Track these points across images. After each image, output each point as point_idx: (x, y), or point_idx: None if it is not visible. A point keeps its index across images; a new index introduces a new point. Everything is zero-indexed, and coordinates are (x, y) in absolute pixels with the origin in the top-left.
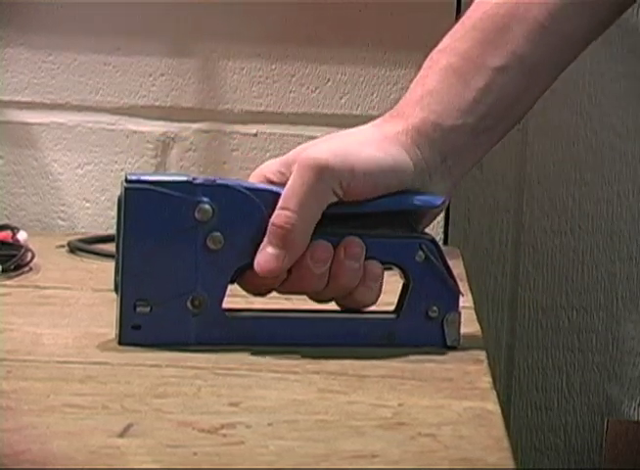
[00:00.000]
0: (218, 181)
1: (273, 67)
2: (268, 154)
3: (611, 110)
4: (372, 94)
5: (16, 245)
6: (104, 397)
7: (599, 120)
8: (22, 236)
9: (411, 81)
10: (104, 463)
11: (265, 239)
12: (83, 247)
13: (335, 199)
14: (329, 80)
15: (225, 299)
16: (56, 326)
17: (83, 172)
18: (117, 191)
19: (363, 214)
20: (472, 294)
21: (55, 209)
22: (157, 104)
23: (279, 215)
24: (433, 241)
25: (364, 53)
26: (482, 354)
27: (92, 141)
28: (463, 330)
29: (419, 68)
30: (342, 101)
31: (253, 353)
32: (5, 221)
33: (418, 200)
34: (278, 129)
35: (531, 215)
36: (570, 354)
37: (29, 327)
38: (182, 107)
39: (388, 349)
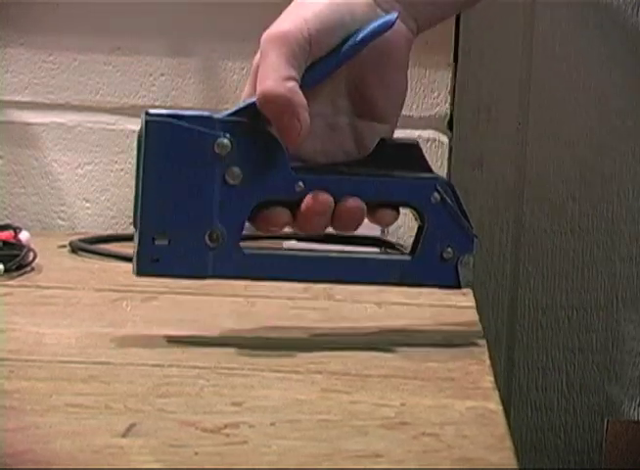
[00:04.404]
0: (237, 118)
1: None
2: None
3: (611, 109)
4: None
5: (18, 245)
6: (106, 396)
7: (599, 120)
8: (24, 236)
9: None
10: (107, 463)
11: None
12: (85, 247)
13: (306, 55)
14: None
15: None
16: (58, 326)
17: (83, 172)
18: (117, 191)
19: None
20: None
21: (55, 209)
22: (157, 104)
23: (257, 94)
24: (448, 183)
25: None
26: (485, 354)
27: (92, 141)
28: (464, 330)
29: (418, 67)
30: None
31: (256, 353)
32: (5, 221)
33: (375, 24)
34: None
35: (531, 215)
36: (570, 354)
37: (32, 327)
38: (182, 107)
39: (391, 349)
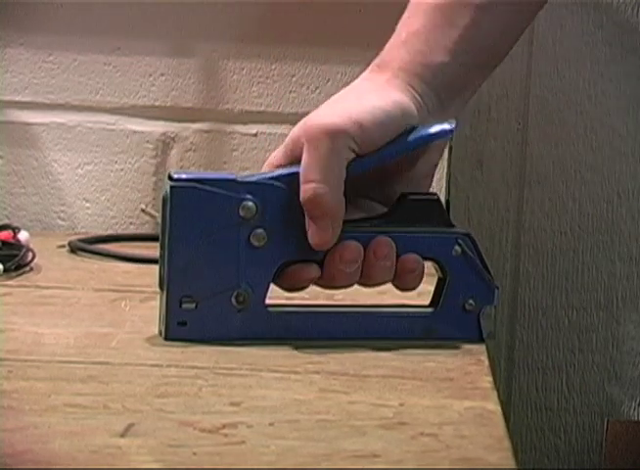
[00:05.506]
0: (261, 179)
1: (273, 67)
2: (268, 154)
3: (611, 110)
4: None
5: (17, 245)
6: (105, 396)
7: (599, 120)
8: (23, 236)
9: None
10: (105, 463)
11: (306, 219)
12: (84, 247)
13: (352, 155)
14: (329, 80)
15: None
16: (57, 326)
17: (83, 172)
18: (117, 191)
19: (393, 212)
20: None
21: (55, 209)
22: (157, 104)
23: (305, 191)
24: (468, 235)
25: (364, 53)
26: (483, 354)
27: (92, 141)
28: None
29: None
30: None
31: (254, 354)
32: (5, 221)
33: (431, 132)
34: (278, 129)
35: (531, 215)
36: (570, 354)
37: (30, 327)
38: (182, 107)
39: (389, 349)
